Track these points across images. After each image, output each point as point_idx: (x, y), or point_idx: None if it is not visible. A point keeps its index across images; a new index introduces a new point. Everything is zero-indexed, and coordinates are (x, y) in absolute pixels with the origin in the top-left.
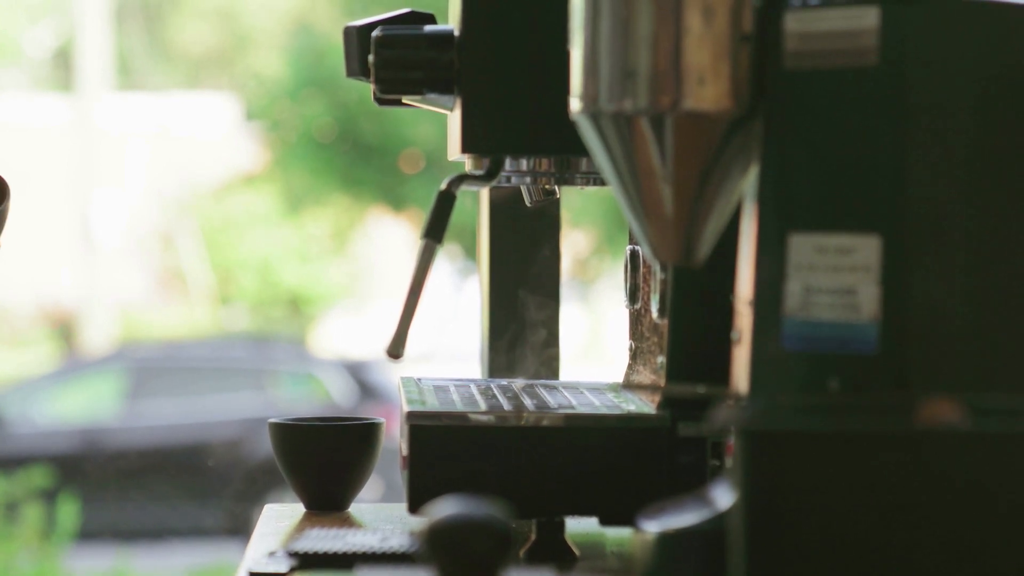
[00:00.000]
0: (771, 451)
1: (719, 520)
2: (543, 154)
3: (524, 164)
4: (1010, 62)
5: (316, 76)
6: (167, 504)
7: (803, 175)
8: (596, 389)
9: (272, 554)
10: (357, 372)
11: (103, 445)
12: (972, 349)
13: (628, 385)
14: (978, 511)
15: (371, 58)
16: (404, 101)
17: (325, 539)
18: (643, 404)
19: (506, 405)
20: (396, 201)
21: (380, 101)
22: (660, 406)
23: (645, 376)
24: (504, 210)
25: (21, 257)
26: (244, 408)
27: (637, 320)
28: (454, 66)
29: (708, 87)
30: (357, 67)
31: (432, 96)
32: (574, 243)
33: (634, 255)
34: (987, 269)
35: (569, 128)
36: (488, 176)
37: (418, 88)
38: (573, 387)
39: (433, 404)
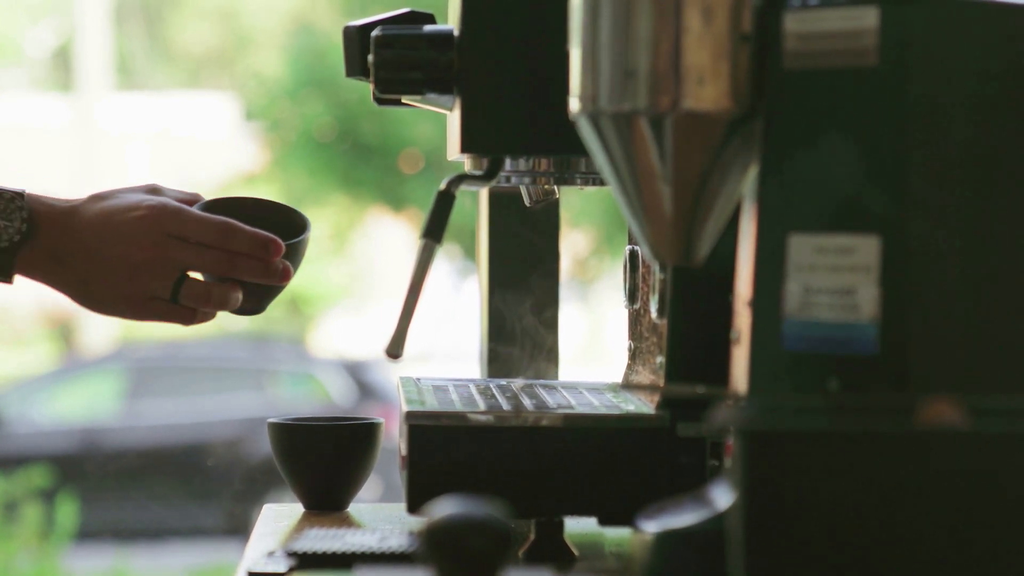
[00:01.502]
0: (771, 451)
1: (719, 520)
2: (543, 154)
3: (523, 164)
4: (1010, 62)
5: (316, 76)
6: (167, 504)
7: (803, 175)
8: (595, 389)
9: (271, 554)
10: (357, 372)
11: (102, 445)
12: (972, 349)
13: (627, 385)
14: (978, 512)
15: (370, 58)
16: (404, 101)
17: (324, 539)
18: (642, 404)
19: (505, 405)
20: (396, 201)
21: (380, 101)
22: (659, 406)
23: (644, 376)
24: (503, 210)
25: None
26: (244, 408)
27: (636, 320)
28: (454, 66)
29: (708, 87)
30: (357, 67)
31: (432, 96)
32: (574, 243)
33: (633, 255)
34: (987, 269)
35: (568, 128)
36: (487, 176)
37: (418, 88)
38: (572, 387)
39: (432, 404)
